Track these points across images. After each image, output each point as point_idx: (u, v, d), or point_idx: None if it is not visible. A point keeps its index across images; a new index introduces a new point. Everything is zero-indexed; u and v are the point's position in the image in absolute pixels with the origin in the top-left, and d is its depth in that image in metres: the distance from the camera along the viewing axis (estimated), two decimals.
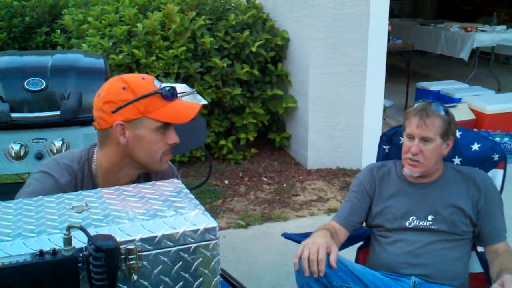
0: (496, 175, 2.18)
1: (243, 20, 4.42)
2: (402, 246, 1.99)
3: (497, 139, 4.57)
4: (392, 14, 7.54)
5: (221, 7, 4.57)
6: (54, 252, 0.99)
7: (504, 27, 7.32)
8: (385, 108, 4.77)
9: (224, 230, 3.37)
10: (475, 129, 4.70)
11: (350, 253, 2.22)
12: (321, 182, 4.15)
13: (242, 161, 4.46)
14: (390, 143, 2.33)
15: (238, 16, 4.43)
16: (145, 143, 1.51)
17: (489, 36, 6.89)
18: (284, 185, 4.08)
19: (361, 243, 2.30)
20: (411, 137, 1.99)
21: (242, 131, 4.44)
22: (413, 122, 1.98)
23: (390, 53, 4.89)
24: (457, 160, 2.22)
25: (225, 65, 4.19)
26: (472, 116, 5.01)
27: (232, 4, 4.74)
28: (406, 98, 6.05)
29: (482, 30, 7.04)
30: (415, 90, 6.04)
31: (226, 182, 4.10)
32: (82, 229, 1.00)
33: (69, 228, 1.00)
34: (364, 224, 2.16)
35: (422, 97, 5.55)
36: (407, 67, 6.20)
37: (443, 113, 2.00)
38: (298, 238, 1.94)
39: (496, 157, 2.19)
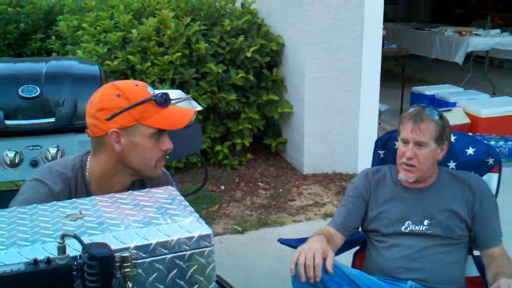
0: (491, 179, 2.19)
1: (238, 25, 4.42)
2: (398, 250, 1.99)
3: (492, 142, 4.59)
4: (386, 19, 7.57)
5: (216, 12, 4.58)
6: (48, 260, 0.98)
7: (498, 31, 7.36)
8: (380, 113, 4.79)
9: (220, 235, 3.36)
10: (470, 133, 4.72)
11: (346, 258, 2.22)
12: (317, 186, 4.15)
13: (238, 166, 4.46)
14: (385, 148, 2.33)
15: (233, 21, 4.44)
16: (140, 150, 1.51)
17: (483, 40, 6.92)
18: (280, 190, 4.08)
19: (357, 248, 2.30)
20: (405, 142, 1.99)
21: (237, 136, 4.44)
22: (407, 127, 1.99)
23: (385, 58, 4.92)
24: (452, 165, 2.23)
25: (220, 70, 4.19)
26: (467, 120, 5.02)
27: (227, 10, 4.74)
28: (401, 102, 6.07)
29: (476, 34, 7.08)
30: (410, 94, 6.06)
31: (222, 187, 4.09)
32: (76, 237, 1.00)
33: (63, 236, 1.00)
34: (360, 229, 2.17)
35: (417, 101, 5.57)
36: (402, 71, 6.22)
37: (437, 117, 2.01)
38: (294, 243, 1.94)
39: (491, 161, 2.20)
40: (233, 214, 3.67)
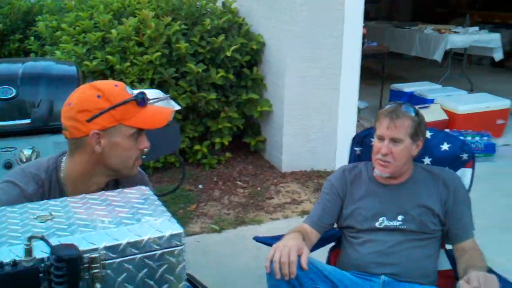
0: (465, 174, 2.23)
1: (218, 24, 4.42)
2: (372, 246, 2.02)
3: (469, 138, 4.66)
4: (368, 17, 7.63)
5: (196, 12, 4.57)
6: (14, 263, 0.98)
7: (476, 28, 7.44)
8: (359, 110, 4.82)
9: (197, 235, 3.35)
10: (447, 129, 4.78)
11: (322, 254, 2.24)
12: (295, 184, 4.17)
13: (216, 165, 4.45)
14: (362, 145, 2.36)
15: (214, 20, 4.43)
16: (120, 150, 1.52)
17: (461, 37, 6.99)
18: (259, 188, 4.09)
19: (332, 244, 2.32)
20: (381, 138, 2.02)
21: (217, 135, 4.44)
22: (383, 123, 2.02)
23: (365, 56, 4.94)
24: (427, 160, 2.26)
25: (200, 70, 4.19)
26: (444, 116, 5.09)
27: (208, 9, 4.74)
28: (380, 99, 6.12)
29: (455, 32, 7.14)
30: (390, 92, 6.11)
31: (200, 186, 4.08)
32: (43, 239, 1.00)
33: (30, 238, 1.00)
34: (335, 226, 2.18)
35: (396, 99, 5.61)
36: (382, 69, 6.27)
37: (413, 114, 2.04)
38: (269, 241, 1.95)
39: (465, 156, 2.24)
40: (211, 213, 3.66)
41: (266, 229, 3.39)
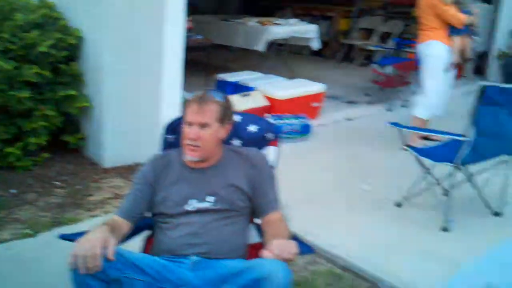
0: (270, 151, 2.38)
1: (32, 19, 4.15)
2: (183, 229, 2.05)
3: (287, 121, 4.98)
4: (197, 11, 7.71)
5: (7, 6, 4.23)
6: None
7: (296, 20, 7.94)
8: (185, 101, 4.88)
9: (7, 242, 3.10)
10: (268, 114, 5.06)
11: (139, 244, 2.24)
12: (118, 179, 4.08)
13: (32, 167, 4.16)
14: (175, 132, 2.39)
15: (27, 15, 4.15)
16: None
17: (282, 29, 7.37)
18: (78, 186, 3.92)
19: (149, 232, 2.31)
20: (190, 124, 2.08)
21: (32, 135, 4.16)
22: (191, 109, 2.08)
23: (192, 48, 5.01)
24: (237, 142, 2.38)
25: (10, 67, 3.89)
26: (266, 103, 5.35)
27: (21, 4, 4.41)
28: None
29: (276, 24, 7.52)
30: (216, 82, 6.25)
31: (13, 191, 3.79)
32: None
33: None
34: (149, 214, 2.19)
35: (222, 88, 5.78)
36: (207, 61, 6.40)
37: (220, 99, 2.12)
38: (75, 237, 1.88)
39: (269, 136, 2.41)
40: (24, 217, 3.41)
41: (86, 226, 3.18)
